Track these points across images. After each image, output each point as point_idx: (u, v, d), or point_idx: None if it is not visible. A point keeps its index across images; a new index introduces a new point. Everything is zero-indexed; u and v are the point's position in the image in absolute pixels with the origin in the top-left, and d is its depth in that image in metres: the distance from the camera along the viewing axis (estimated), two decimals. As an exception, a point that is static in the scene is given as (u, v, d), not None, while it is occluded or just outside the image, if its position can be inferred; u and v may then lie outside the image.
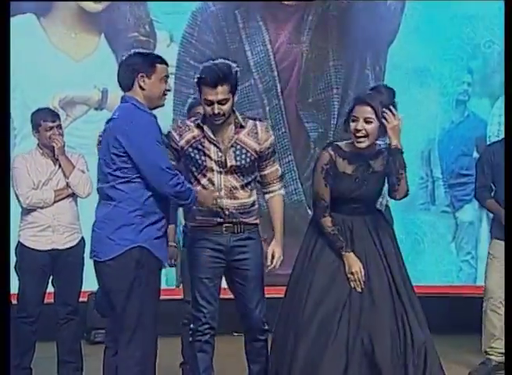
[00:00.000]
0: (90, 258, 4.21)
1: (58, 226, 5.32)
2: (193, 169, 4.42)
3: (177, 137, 4.43)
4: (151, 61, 4.15)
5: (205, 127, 4.40)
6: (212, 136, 4.39)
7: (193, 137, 4.41)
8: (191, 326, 4.47)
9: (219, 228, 4.42)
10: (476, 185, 5.93)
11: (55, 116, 5.38)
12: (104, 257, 4.09)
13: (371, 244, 4.45)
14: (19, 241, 5.36)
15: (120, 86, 4.20)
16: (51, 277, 5.38)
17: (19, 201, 5.32)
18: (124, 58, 4.22)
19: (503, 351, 5.65)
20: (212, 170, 4.39)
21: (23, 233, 5.35)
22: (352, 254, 4.40)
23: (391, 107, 4.37)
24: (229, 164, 4.38)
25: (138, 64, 4.13)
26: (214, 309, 4.43)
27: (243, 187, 4.43)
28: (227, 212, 4.40)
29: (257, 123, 4.49)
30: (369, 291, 4.36)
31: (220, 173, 4.39)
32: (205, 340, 4.44)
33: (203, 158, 4.39)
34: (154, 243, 4.10)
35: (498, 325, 5.74)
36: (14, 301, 5.23)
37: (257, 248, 4.52)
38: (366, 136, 4.39)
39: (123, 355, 4.08)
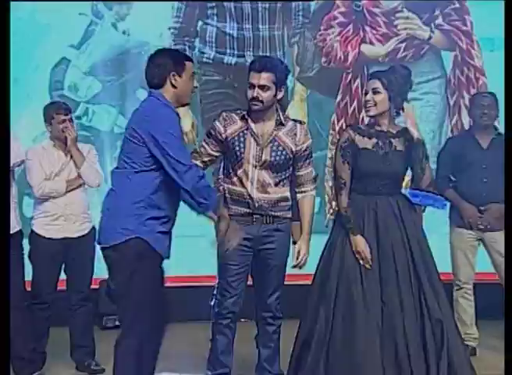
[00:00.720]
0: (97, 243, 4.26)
1: (70, 215, 5.43)
2: (232, 159, 4.57)
3: (222, 129, 4.58)
4: (180, 59, 4.15)
5: (249, 120, 4.55)
6: (254, 129, 4.55)
7: (237, 129, 4.56)
8: (216, 309, 4.67)
9: (250, 218, 4.57)
10: (437, 175, 5.89)
11: (67, 109, 5.49)
12: (105, 244, 4.10)
13: (394, 225, 4.54)
14: (32, 230, 5.46)
15: (149, 84, 4.16)
16: (63, 265, 5.49)
17: (32, 191, 5.45)
18: (152, 56, 4.17)
19: (477, 336, 5.89)
20: (248, 163, 4.52)
21: (36, 222, 5.45)
22: (359, 236, 4.49)
23: (404, 105, 4.54)
24: (263, 158, 4.52)
25: (169, 63, 4.10)
26: (237, 295, 4.58)
27: (276, 183, 4.56)
28: (257, 205, 4.54)
29: (298, 124, 4.62)
30: (395, 272, 4.47)
31: (255, 167, 4.52)
32: (226, 324, 4.61)
33: (242, 150, 4.53)
34: (155, 236, 4.05)
35: (470, 312, 5.87)
36: (28, 289, 5.38)
37: (285, 239, 4.66)
38: (374, 105, 4.54)
39: (120, 343, 4.08)
